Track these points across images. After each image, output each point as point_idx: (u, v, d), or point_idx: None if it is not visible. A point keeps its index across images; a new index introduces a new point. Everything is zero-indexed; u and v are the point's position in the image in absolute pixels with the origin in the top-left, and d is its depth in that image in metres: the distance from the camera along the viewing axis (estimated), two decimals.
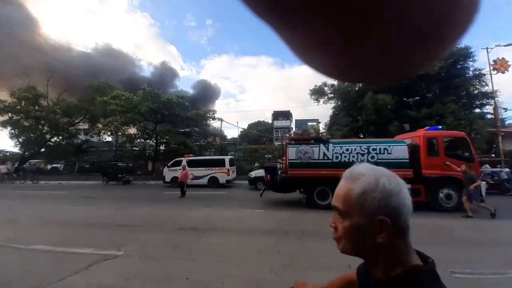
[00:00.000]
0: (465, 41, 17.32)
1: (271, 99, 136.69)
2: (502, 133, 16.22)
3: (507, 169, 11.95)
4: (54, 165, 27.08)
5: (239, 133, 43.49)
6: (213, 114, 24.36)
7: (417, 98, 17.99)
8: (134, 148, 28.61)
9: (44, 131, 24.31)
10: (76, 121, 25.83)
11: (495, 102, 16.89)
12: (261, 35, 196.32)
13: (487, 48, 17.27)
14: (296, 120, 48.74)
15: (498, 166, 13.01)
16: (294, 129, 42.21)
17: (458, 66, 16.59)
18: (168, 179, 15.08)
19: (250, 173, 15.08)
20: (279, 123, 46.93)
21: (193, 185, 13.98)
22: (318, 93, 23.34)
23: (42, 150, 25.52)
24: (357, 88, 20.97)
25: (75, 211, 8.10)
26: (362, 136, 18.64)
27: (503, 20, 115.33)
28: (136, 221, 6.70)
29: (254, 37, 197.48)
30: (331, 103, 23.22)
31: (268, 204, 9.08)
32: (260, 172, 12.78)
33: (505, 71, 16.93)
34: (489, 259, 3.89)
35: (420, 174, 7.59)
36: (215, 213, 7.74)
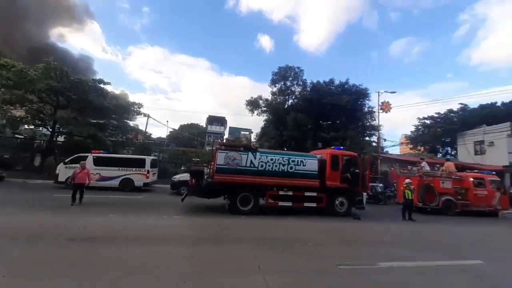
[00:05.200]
0: (365, 84, 22.57)
1: (207, 103, 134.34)
2: (381, 157, 21.56)
3: (381, 184, 15.89)
4: None
5: (168, 133, 40.31)
6: (139, 107, 21.66)
7: (329, 122, 21.66)
8: (18, 135, 21.83)
9: None
10: None
11: (379, 134, 22.47)
12: (202, 37, 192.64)
13: (378, 92, 22.90)
14: (230, 127, 49.51)
15: (376, 182, 17.07)
16: (227, 136, 42.65)
17: (359, 102, 21.19)
18: (62, 178, 12.05)
19: (174, 176, 14.06)
20: (213, 128, 46.46)
21: (99, 187, 11.76)
22: (253, 104, 24.62)
23: None
24: (286, 106, 23.41)
25: None
26: (286, 149, 20.73)
27: (393, 72, 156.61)
28: (5, 231, 5.01)
29: (195, 38, 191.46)
30: (263, 116, 24.91)
31: (188, 210, 8.66)
32: (185, 176, 12.13)
33: (388, 111, 22.88)
34: (364, 253, 4.97)
35: (325, 184, 9.05)
36: (121, 220, 6.70)
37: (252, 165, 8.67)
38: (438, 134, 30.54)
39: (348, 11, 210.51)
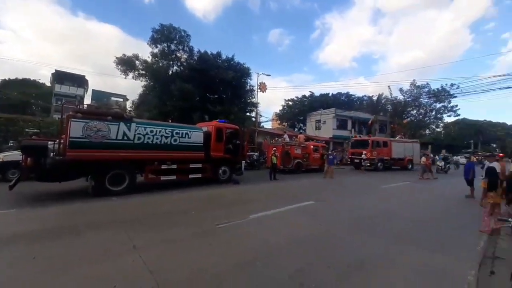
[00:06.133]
0: (248, 62, 24.45)
1: (52, 53, 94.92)
2: (258, 131, 25.18)
3: (257, 153, 18.80)
4: None
5: None
6: None
7: (216, 96, 22.13)
8: None
9: None
10: None
11: (257, 110, 25.82)
12: None
13: (257, 73, 25.65)
14: (94, 90, 38.59)
15: (253, 151, 19.95)
16: (90, 102, 33.18)
17: (243, 80, 22.89)
18: None
19: None
20: (64, 89, 34.10)
21: None
22: (127, 64, 20.29)
23: None
24: (170, 73, 21.17)
25: None
26: (170, 120, 19.26)
27: (269, 58, 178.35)
28: None
29: None
30: (141, 80, 21.30)
31: (23, 201, 6.29)
32: (15, 155, 8.53)
33: (264, 91, 26.42)
34: (239, 211, 5.80)
35: (210, 155, 9.42)
36: None
37: (126, 138, 7.40)
38: (296, 113, 40.09)
39: None
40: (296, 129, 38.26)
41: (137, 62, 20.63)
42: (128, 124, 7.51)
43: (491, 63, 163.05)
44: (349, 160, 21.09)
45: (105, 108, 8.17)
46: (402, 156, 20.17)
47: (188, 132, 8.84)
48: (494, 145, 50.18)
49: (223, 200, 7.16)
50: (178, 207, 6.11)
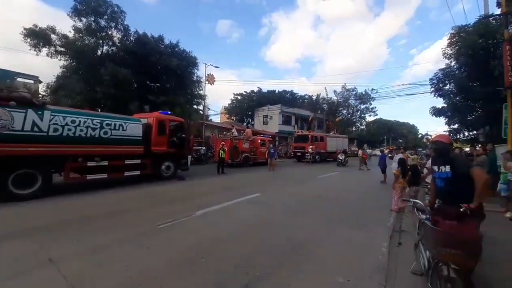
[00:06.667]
0: (195, 52, 23.22)
1: None
2: (205, 124, 24.33)
3: (204, 147, 18.21)
4: None
5: None
6: None
7: (158, 85, 20.19)
8: None
9: None
10: None
11: (204, 103, 24.84)
12: None
13: (205, 64, 24.59)
14: None
15: (200, 145, 19.25)
16: None
17: (189, 70, 21.49)
18: None
19: None
20: None
21: None
22: (39, 37, 16.27)
23: None
24: (99, 53, 18.15)
25: None
26: (100, 109, 16.61)
27: (218, 49, 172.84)
28: None
29: None
30: (60, 59, 17.52)
31: None
32: None
33: (213, 84, 25.58)
34: (185, 208, 5.50)
35: (150, 150, 8.57)
36: None
37: (36, 129, 6.01)
38: (244, 108, 40.45)
39: None
40: (245, 124, 38.77)
41: (53, 36, 16.74)
42: (40, 112, 6.08)
43: (401, 74, 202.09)
44: (292, 153, 22.83)
45: (6, 90, 6.45)
46: (334, 149, 23.05)
47: (123, 123, 7.78)
48: (401, 140, 62.72)
49: (166, 197, 6.65)
50: (110, 209, 5.33)
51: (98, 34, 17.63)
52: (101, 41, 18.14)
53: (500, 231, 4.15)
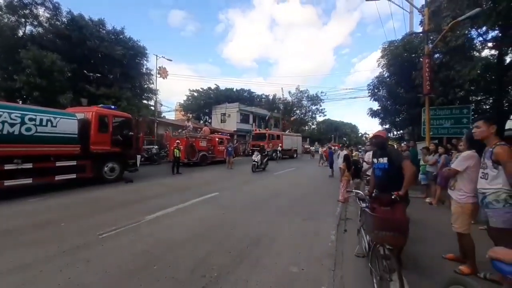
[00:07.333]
0: (144, 42, 21.20)
1: None
2: (158, 121, 22.53)
3: (156, 146, 16.87)
4: None
5: None
6: None
7: (99, 75, 17.77)
8: None
9: None
10: None
11: (156, 98, 22.97)
12: None
13: (156, 55, 22.67)
14: None
15: (152, 144, 17.77)
16: None
17: (137, 61, 19.50)
18: None
19: None
20: None
21: None
22: None
23: None
24: (21, 34, 14.94)
25: None
26: (21, 101, 13.71)
27: (170, 41, 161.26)
28: None
29: None
30: None
31: None
32: None
33: (165, 77, 23.80)
34: (132, 213, 4.96)
35: (88, 150, 7.48)
36: None
37: None
38: (201, 105, 39.09)
39: None
40: (202, 122, 37.47)
41: None
42: None
43: (345, 79, 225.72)
44: (250, 151, 23.08)
45: None
46: (290, 147, 24.29)
47: (52, 118, 6.57)
48: (345, 138, 70.21)
49: (110, 203, 5.87)
50: (39, 220, 4.43)
51: (20, 11, 14.44)
52: (23, 20, 14.91)
53: (422, 214, 5.01)
